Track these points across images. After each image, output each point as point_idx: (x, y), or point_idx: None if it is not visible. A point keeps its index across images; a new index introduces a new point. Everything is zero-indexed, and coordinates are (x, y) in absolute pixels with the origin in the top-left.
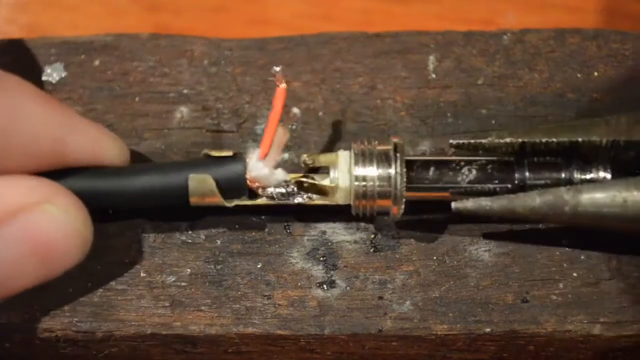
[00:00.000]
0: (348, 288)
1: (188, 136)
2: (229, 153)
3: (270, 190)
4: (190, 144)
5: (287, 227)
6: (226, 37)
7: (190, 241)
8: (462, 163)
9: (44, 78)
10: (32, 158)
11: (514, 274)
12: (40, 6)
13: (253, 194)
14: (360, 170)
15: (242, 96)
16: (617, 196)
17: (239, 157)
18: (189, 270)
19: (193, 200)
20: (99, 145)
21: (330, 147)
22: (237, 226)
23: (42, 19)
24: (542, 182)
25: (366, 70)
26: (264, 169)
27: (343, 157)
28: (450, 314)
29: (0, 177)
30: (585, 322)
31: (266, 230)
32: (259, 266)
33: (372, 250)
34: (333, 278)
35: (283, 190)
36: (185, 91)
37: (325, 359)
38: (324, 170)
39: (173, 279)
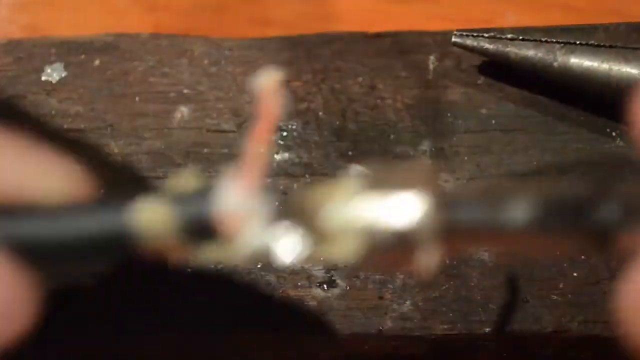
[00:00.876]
0: (348, 288)
1: (188, 136)
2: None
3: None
4: (190, 144)
5: None
6: (226, 37)
7: None
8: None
9: (43, 78)
10: None
11: (514, 274)
12: (40, 6)
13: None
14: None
15: (242, 96)
16: (603, 63)
17: (207, 189)
18: (189, 270)
19: (142, 244)
20: (21, 171)
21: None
22: None
23: (42, 19)
24: None
25: (366, 70)
26: (241, 205)
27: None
28: (450, 314)
29: None
30: (585, 322)
31: None
32: (259, 266)
33: None
34: (333, 278)
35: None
36: (185, 91)
37: (325, 359)
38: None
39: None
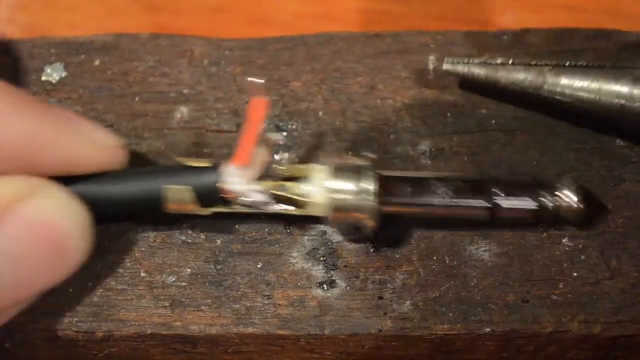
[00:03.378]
0: (348, 288)
1: (188, 136)
2: (206, 164)
3: (245, 199)
4: (190, 144)
5: (287, 227)
6: (226, 37)
7: (190, 241)
8: (438, 183)
9: (43, 78)
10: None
11: (514, 274)
12: (40, 6)
13: (228, 202)
14: (336, 185)
15: (242, 96)
16: (593, 83)
17: (215, 167)
18: (189, 270)
19: (170, 207)
20: (79, 152)
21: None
22: (237, 226)
23: (42, 19)
24: (514, 202)
25: (366, 70)
26: (239, 183)
27: (318, 171)
28: (450, 314)
29: None
30: (585, 322)
31: (266, 230)
32: (259, 266)
33: (372, 250)
34: (333, 278)
35: (259, 199)
36: (185, 91)
37: (325, 359)
38: (299, 180)
39: (173, 279)
